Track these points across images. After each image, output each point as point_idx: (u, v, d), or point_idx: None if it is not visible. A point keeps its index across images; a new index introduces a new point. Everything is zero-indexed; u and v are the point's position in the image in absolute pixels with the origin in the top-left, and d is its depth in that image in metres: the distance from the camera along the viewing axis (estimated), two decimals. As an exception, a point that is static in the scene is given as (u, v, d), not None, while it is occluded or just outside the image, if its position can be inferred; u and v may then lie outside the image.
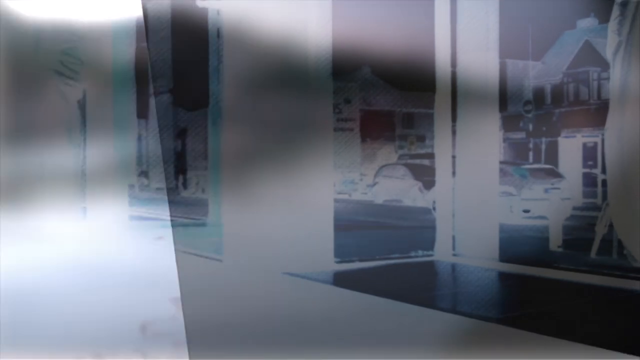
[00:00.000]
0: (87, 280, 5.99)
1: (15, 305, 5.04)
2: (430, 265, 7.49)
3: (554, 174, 20.51)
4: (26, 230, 6.64)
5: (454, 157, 7.85)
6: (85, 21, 7.70)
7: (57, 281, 5.88)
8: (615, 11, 5.40)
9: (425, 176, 23.36)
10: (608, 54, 5.41)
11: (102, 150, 8.85)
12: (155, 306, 5.14)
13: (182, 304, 5.18)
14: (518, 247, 8.94)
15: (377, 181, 25.56)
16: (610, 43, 5.34)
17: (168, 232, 10.18)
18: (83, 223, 9.07)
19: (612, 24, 5.40)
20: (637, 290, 5.92)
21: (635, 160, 5.56)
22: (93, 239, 8.26)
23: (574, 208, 12.50)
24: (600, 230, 8.38)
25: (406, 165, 26.15)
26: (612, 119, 5.22)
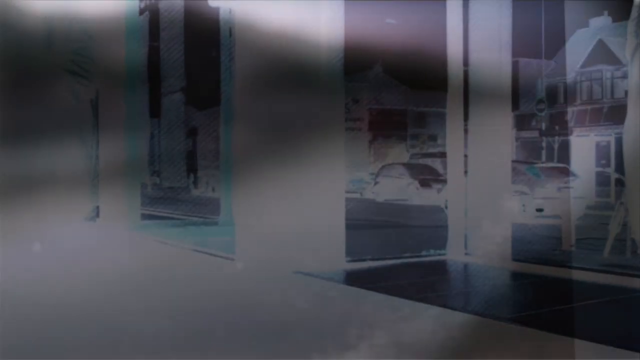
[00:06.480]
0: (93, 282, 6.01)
1: (20, 302, 5.06)
2: (442, 265, 7.47)
3: (567, 172, 20.37)
4: (36, 230, 6.67)
5: (466, 156, 7.82)
6: (98, 21, 7.73)
7: (62, 282, 5.89)
8: (634, 13, 5.36)
9: (423, 175, 23.39)
10: (627, 55, 5.38)
11: (114, 150, 8.88)
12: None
13: (195, 303, 5.20)
14: (531, 247, 8.90)
15: (378, 180, 25.69)
16: (629, 44, 5.30)
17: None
18: (95, 222, 9.10)
19: (631, 25, 5.37)
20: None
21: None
22: (104, 239, 8.29)
23: (587, 207, 12.45)
24: (614, 230, 8.33)
25: (405, 165, 26.18)
26: (631, 118, 5.19)
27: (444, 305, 5.32)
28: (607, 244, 8.43)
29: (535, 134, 30.07)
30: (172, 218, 13.40)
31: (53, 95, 7.19)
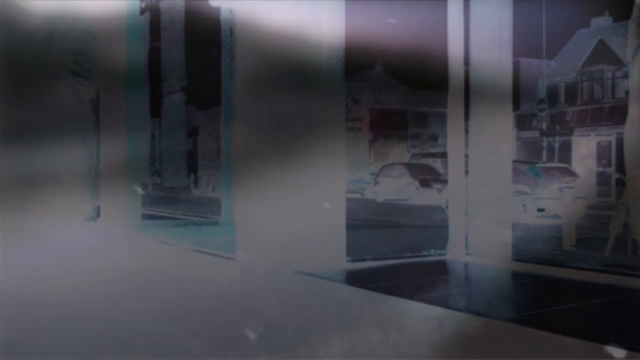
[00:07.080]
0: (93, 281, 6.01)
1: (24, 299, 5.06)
2: (443, 265, 7.47)
3: (568, 172, 20.35)
4: (37, 230, 6.67)
5: (466, 156, 7.81)
6: (98, 20, 7.73)
7: (62, 282, 5.89)
8: (635, 13, 5.34)
9: (423, 175, 23.41)
10: (628, 56, 5.36)
11: (115, 150, 8.88)
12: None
13: (195, 303, 5.19)
14: (531, 247, 8.90)
15: (379, 180, 25.70)
16: (630, 45, 5.27)
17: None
18: (96, 222, 9.10)
19: (632, 26, 5.34)
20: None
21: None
22: (105, 239, 8.29)
23: (588, 207, 12.44)
24: (615, 230, 8.34)
25: (405, 165, 26.19)
26: (631, 118, 5.17)
27: (445, 305, 5.32)
28: (608, 244, 8.44)
29: (536, 133, 30.07)
30: (173, 218, 13.39)
31: (54, 95, 7.19)
